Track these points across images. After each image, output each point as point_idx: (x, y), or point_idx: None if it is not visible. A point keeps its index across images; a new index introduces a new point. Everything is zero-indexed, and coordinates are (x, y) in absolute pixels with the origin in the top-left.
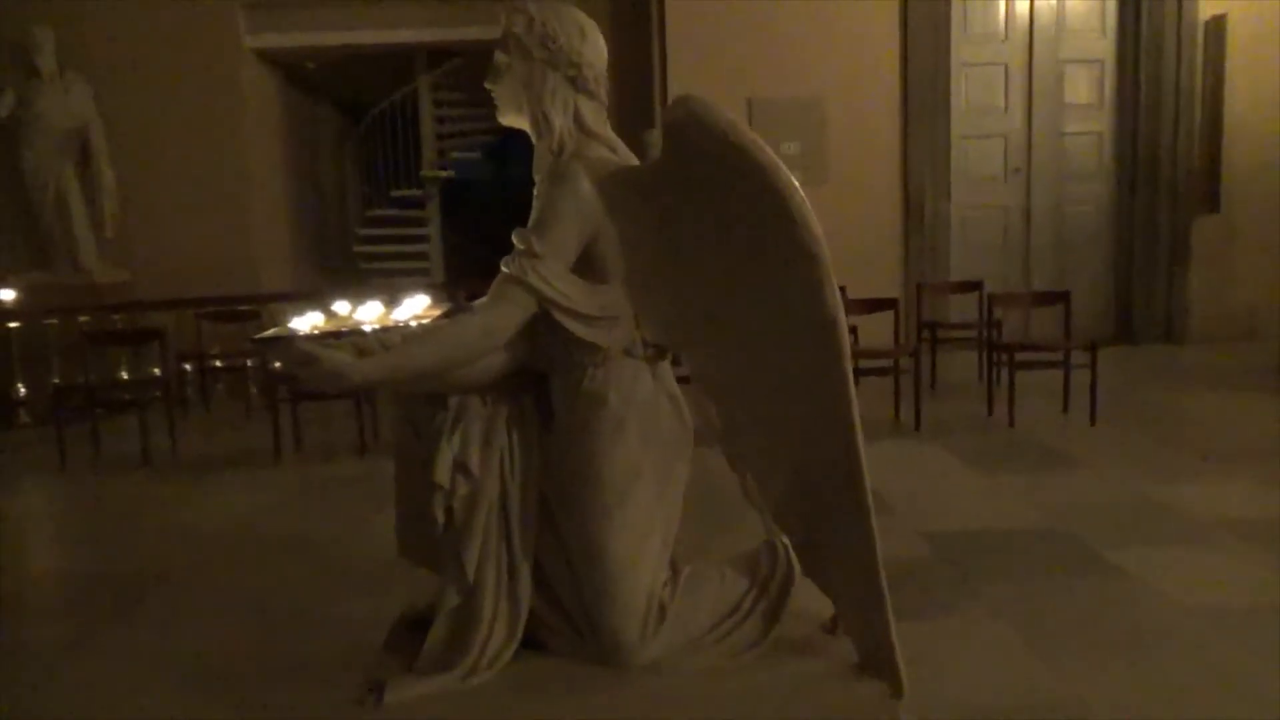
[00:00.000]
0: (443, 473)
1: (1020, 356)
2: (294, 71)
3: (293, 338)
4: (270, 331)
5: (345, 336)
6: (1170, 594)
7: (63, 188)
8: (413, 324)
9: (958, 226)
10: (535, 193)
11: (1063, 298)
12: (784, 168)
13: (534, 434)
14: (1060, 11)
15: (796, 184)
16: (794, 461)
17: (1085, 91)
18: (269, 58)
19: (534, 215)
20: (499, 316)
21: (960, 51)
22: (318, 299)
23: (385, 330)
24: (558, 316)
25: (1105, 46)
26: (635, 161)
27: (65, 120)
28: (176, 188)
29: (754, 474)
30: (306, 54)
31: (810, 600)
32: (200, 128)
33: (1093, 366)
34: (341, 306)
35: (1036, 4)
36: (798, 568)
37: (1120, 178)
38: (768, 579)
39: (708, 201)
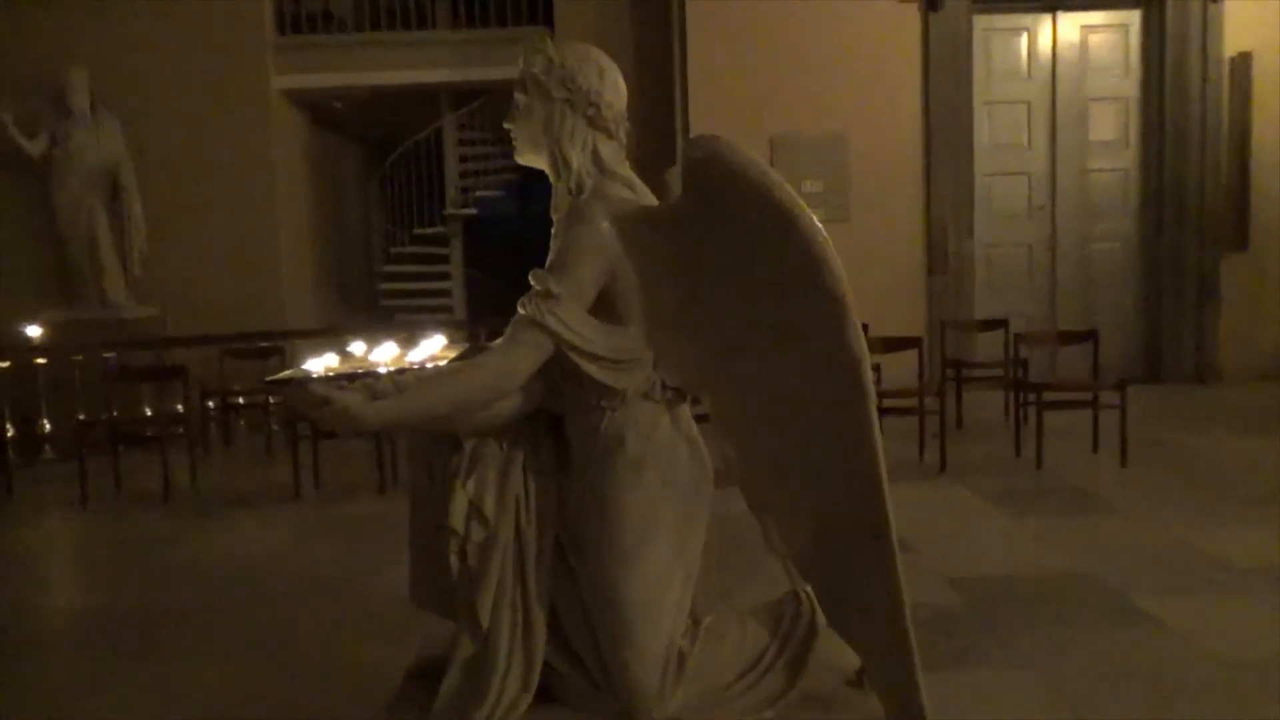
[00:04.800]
0: (457, 518)
1: (1048, 396)
2: (320, 111)
3: (305, 380)
4: (284, 373)
5: (359, 379)
6: (1205, 645)
7: (93, 224)
8: (428, 366)
9: (982, 263)
10: (553, 233)
11: (1090, 336)
12: (806, 208)
13: (550, 478)
14: (1083, 49)
15: (819, 224)
16: (817, 508)
17: (1110, 128)
18: (296, 98)
19: (552, 256)
20: (515, 359)
21: (983, 89)
22: (340, 336)
23: (400, 372)
24: (575, 359)
25: (1129, 83)
26: (654, 201)
27: (97, 159)
28: (204, 225)
29: (776, 520)
30: (333, 94)
31: (835, 652)
32: (228, 166)
33: (1122, 407)
34: (357, 347)
35: (1059, 41)
36: (822, 618)
37: (1147, 215)
38: (791, 630)
39: (728, 241)
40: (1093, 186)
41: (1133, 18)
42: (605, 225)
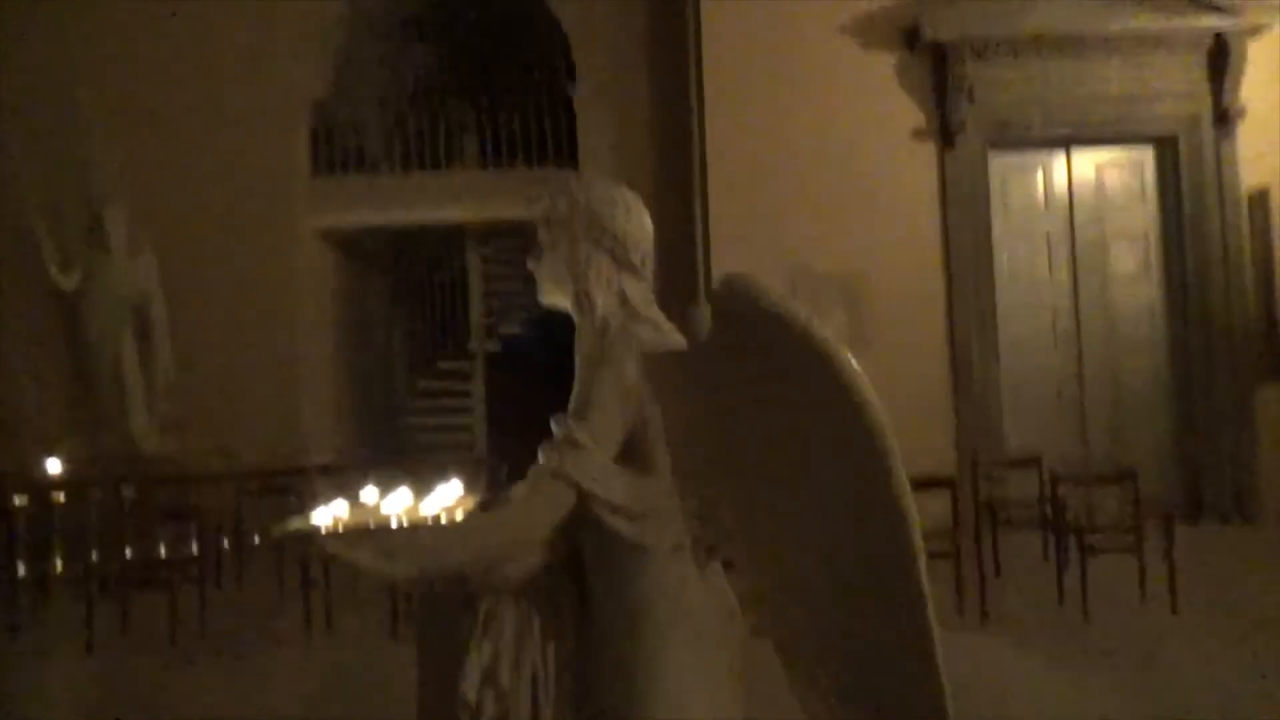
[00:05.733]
0: (470, 687)
1: (1090, 539)
2: (349, 246)
3: (313, 535)
4: (292, 525)
5: (369, 534)
6: None
7: (120, 358)
8: (442, 517)
9: (1009, 396)
10: (577, 375)
11: (1129, 475)
12: (844, 349)
13: (571, 643)
14: (1099, 184)
15: (857, 365)
16: (865, 681)
17: (1131, 262)
18: (327, 235)
19: (575, 400)
20: (535, 512)
21: (1001, 223)
22: (359, 473)
23: (413, 528)
24: (599, 512)
25: (1148, 217)
26: (682, 342)
27: (130, 294)
28: (231, 359)
29: (819, 696)
30: (364, 232)
31: None
32: (257, 301)
33: (1169, 552)
34: (369, 494)
35: (1075, 177)
36: None
37: (1175, 348)
38: None
39: (761, 384)
40: (1118, 319)
41: (1146, 154)
42: (631, 368)
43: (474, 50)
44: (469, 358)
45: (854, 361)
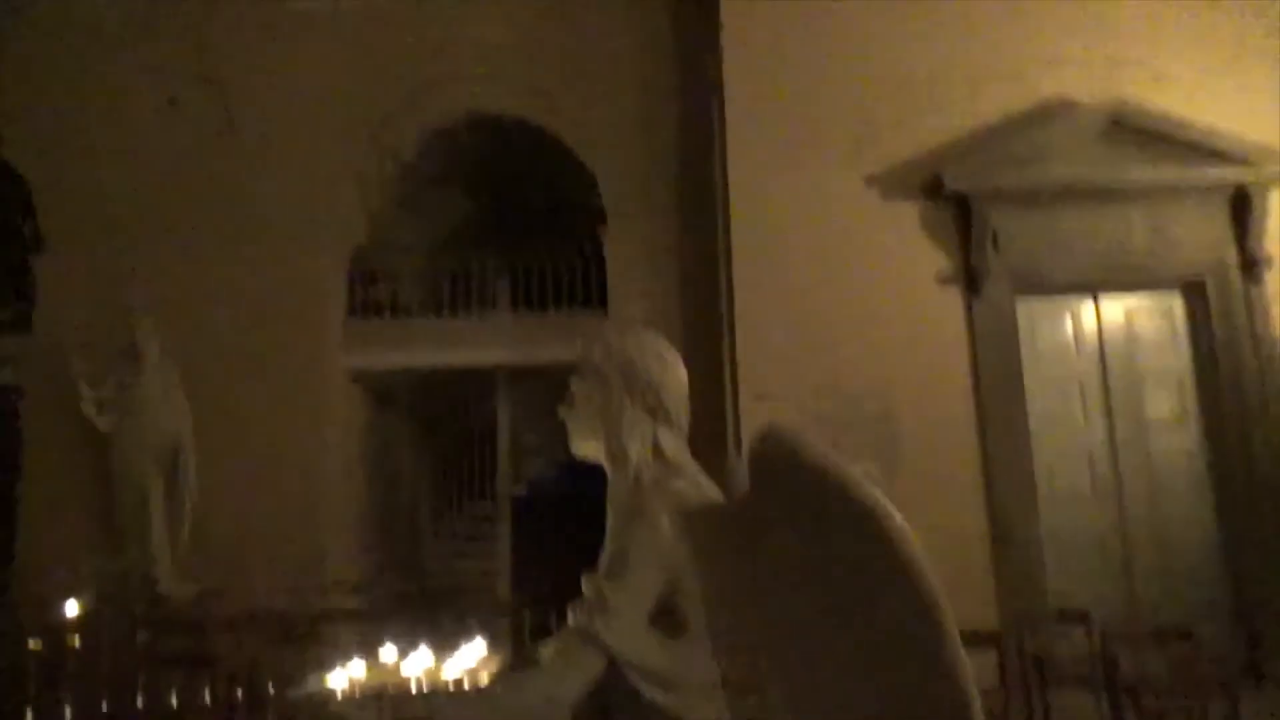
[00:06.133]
0: None
1: (1146, 703)
2: (380, 388)
3: (327, 700)
4: (308, 689)
5: (387, 700)
6: None
7: (147, 501)
8: (465, 681)
9: (1049, 544)
10: (609, 528)
11: (1184, 634)
12: (890, 507)
13: None
14: (1129, 329)
15: (907, 526)
16: None
17: (1167, 407)
18: (358, 376)
19: (606, 557)
20: (564, 679)
21: (1032, 367)
22: (381, 621)
23: (433, 694)
24: (632, 680)
25: (1181, 362)
26: (718, 495)
27: (162, 438)
28: (254, 499)
29: None
30: (395, 374)
31: None
32: (284, 441)
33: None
34: (388, 653)
35: (1104, 322)
36: None
37: (1220, 497)
38: None
39: (801, 542)
40: (1158, 466)
41: (1174, 300)
42: (666, 525)
43: (506, 197)
44: (496, 501)
45: (900, 519)
